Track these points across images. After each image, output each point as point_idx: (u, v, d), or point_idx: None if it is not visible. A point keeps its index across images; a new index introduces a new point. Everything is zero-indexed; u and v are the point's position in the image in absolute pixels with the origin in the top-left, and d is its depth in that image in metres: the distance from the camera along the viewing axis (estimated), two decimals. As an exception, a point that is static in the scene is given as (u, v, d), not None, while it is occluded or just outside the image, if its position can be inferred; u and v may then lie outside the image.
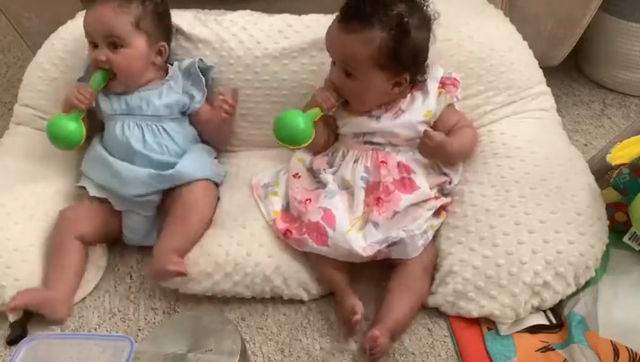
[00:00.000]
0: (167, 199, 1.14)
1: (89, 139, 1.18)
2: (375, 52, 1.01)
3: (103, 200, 1.14)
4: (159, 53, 1.18)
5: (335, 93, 1.07)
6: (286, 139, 1.03)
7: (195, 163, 1.15)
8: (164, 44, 1.18)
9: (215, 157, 1.24)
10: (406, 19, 1.02)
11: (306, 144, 1.04)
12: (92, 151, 1.18)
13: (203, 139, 1.24)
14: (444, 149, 1.07)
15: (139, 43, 1.14)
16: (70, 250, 1.09)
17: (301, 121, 1.02)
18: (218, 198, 1.17)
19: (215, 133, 1.23)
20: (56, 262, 1.09)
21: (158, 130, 1.15)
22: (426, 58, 1.10)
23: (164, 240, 1.08)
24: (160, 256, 1.04)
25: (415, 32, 1.03)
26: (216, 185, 1.18)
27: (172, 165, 1.13)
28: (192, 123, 1.21)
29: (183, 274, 1.03)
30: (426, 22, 1.07)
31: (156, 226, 1.16)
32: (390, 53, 1.02)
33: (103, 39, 1.12)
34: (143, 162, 1.13)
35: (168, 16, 1.21)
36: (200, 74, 1.18)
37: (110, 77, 1.14)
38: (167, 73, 1.20)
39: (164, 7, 1.20)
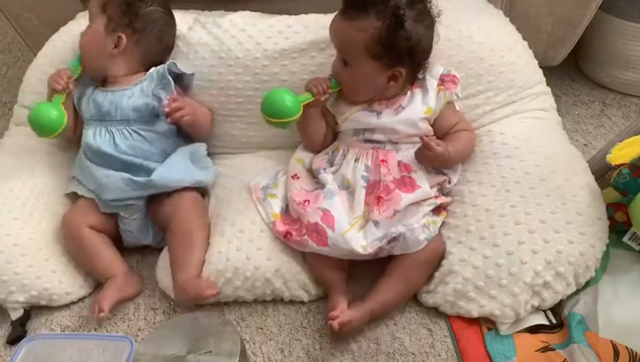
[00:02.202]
0: (153, 205, 1.14)
1: (77, 140, 1.20)
2: (368, 40, 1.03)
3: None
4: (116, 45, 1.17)
5: (328, 81, 1.09)
6: (271, 113, 1.04)
7: (173, 171, 1.14)
8: (122, 35, 1.16)
9: (208, 154, 1.23)
10: (402, 11, 1.02)
11: (293, 119, 1.04)
12: (79, 155, 1.20)
13: (185, 134, 1.22)
14: (442, 158, 1.07)
15: (98, 23, 1.17)
16: (90, 236, 1.11)
17: (288, 99, 1.04)
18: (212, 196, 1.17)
19: (190, 128, 1.21)
20: (88, 255, 1.11)
21: (129, 132, 1.15)
22: (425, 56, 1.10)
23: (182, 271, 1.05)
24: (189, 288, 1.03)
25: (411, 25, 1.03)
26: (201, 190, 1.18)
27: (147, 170, 1.13)
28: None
29: (215, 294, 1.04)
30: (425, 17, 1.07)
31: (150, 227, 1.16)
32: (383, 42, 1.03)
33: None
34: (117, 165, 1.13)
35: (144, 14, 1.18)
36: (169, 77, 1.17)
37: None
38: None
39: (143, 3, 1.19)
